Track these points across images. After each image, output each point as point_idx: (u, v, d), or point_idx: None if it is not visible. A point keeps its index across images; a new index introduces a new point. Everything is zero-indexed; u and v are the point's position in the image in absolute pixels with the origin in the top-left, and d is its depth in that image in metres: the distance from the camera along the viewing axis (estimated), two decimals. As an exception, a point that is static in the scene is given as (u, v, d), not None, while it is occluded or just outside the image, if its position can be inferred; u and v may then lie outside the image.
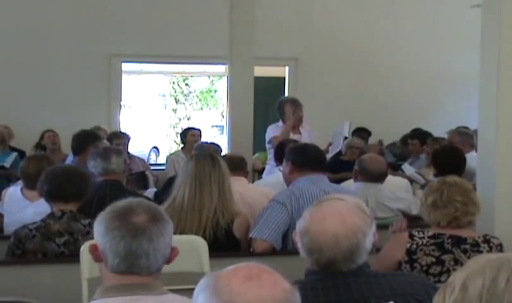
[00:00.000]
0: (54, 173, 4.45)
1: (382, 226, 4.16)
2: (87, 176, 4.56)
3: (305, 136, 7.91)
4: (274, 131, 8.21)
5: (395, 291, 2.70)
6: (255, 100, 8.61)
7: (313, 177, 4.73)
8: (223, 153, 7.04)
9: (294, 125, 8.21)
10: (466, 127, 8.76)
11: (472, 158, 6.55)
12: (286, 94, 11.58)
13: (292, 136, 7.92)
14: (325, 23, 11.41)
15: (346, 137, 8.74)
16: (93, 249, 2.50)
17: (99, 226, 2.49)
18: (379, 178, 5.92)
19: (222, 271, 1.88)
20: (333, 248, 2.62)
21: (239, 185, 5.26)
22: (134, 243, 2.41)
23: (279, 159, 6.42)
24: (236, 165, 5.46)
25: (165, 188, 5.73)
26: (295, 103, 8.39)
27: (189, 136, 9.51)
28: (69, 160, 6.86)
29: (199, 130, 9.72)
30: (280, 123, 8.21)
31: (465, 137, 7.95)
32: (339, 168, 7.97)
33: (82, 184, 4.40)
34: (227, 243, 4.44)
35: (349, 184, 6.19)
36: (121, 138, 8.28)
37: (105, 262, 2.47)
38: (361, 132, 10.24)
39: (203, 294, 1.85)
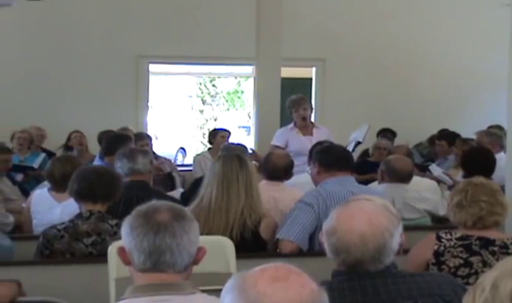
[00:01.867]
0: (84, 173, 4.47)
1: (408, 228, 4.14)
2: (117, 177, 4.57)
3: (319, 137, 7.68)
4: (280, 134, 7.98)
5: (423, 292, 2.68)
6: (282, 101, 8.60)
7: (340, 178, 4.71)
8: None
9: (301, 126, 7.96)
10: (499, 126, 8.66)
11: (501, 159, 6.49)
12: (313, 95, 11.56)
13: (302, 138, 7.79)
14: (352, 23, 11.38)
15: (359, 142, 8.56)
16: (121, 252, 2.53)
17: (125, 227, 2.53)
18: (405, 178, 5.89)
19: (249, 272, 1.88)
20: (360, 248, 2.61)
21: (275, 191, 5.27)
22: (157, 239, 2.44)
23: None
24: (280, 173, 5.45)
25: (192, 188, 5.73)
26: (297, 101, 8.02)
27: (218, 136, 9.51)
28: (97, 160, 6.90)
29: (228, 131, 9.72)
30: (291, 125, 8.04)
31: (494, 138, 7.87)
32: (366, 169, 7.94)
33: (111, 185, 4.41)
34: (254, 244, 4.44)
35: (376, 184, 6.16)
36: (143, 139, 8.30)
37: (132, 263, 2.50)
38: (387, 133, 10.20)
39: (230, 295, 1.85)
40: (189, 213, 2.60)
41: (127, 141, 6.65)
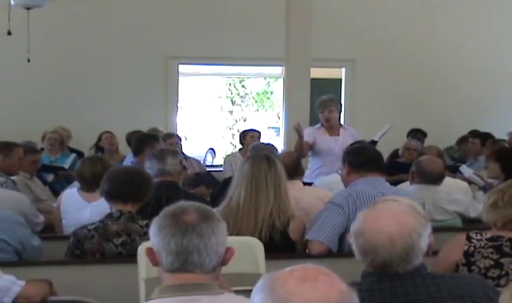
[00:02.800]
0: (115, 174, 4.49)
1: (438, 229, 4.12)
2: (148, 178, 4.58)
3: (346, 138, 7.65)
4: (308, 132, 7.86)
5: (453, 293, 2.66)
6: (311, 101, 8.58)
7: (370, 179, 4.69)
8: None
9: (327, 127, 7.93)
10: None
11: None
12: (342, 95, 11.53)
13: (328, 138, 7.76)
14: (382, 23, 11.33)
15: (374, 141, 8.48)
16: (149, 252, 2.54)
17: (153, 227, 2.54)
18: (436, 179, 5.85)
19: (279, 272, 1.88)
20: (388, 248, 2.60)
21: (294, 189, 5.23)
22: (184, 240, 2.44)
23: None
24: (290, 172, 5.43)
25: (222, 189, 5.74)
26: (323, 103, 7.99)
27: (248, 137, 9.51)
28: (128, 161, 6.94)
29: (259, 132, 9.71)
30: (318, 125, 8.02)
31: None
32: (395, 169, 7.90)
33: (142, 186, 4.42)
34: (282, 245, 4.43)
35: (406, 185, 6.13)
36: (171, 138, 8.32)
37: (160, 263, 2.51)
38: (417, 133, 10.14)
39: (260, 294, 1.85)
40: (217, 213, 2.60)
41: (154, 141, 6.67)
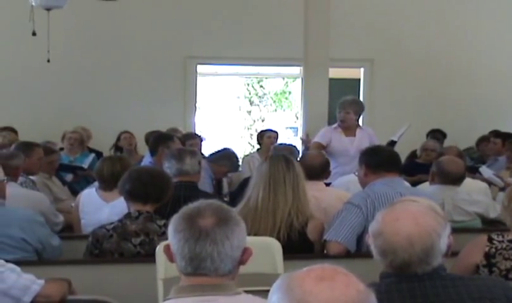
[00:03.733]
0: (136, 173, 4.50)
1: (458, 230, 4.10)
2: (168, 179, 4.60)
3: (362, 138, 7.63)
4: (324, 133, 7.89)
5: (472, 295, 2.65)
6: (330, 101, 8.57)
7: (388, 179, 4.68)
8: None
9: (344, 127, 7.91)
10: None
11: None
12: (361, 95, 11.50)
13: (344, 139, 7.74)
14: (401, 23, 11.30)
15: (393, 141, 8.45)
16: (167, 250, 2.55)
17: (170, 227, 2.54)
18: (456, 180, 5.82)
19: (296, 272, 1.88)
20: (407, 249, 2.59)
21: (315, 190, 5.23)
22: (197, 247, 2.43)
23: None
24: (316, 173, 5.43)
25: (240, 189, 5.74)
26: (342, 104, 7.92)
27: (265, 137, 9.53)
28: (146, 161, 6.95)
29: (276, 132, 9.72)
30: (335, 125, 8.00)
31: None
32: (414, 170, 7.88)
33: (162, 186, 4.43)
34: (300, 246, 4.42)
35: (425, 186, 6.11)
36: (193, 139, 8.34)
37: (176, 263, 2.51)
38: (436, 134, 10.11)
39: (277, 294, 1.85)
40: (235, 215, 2.57)
41: (168, 141, 6.68)
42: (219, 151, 7.70)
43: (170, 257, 2.53)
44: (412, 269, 2.62)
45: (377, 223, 2.68)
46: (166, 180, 4.54)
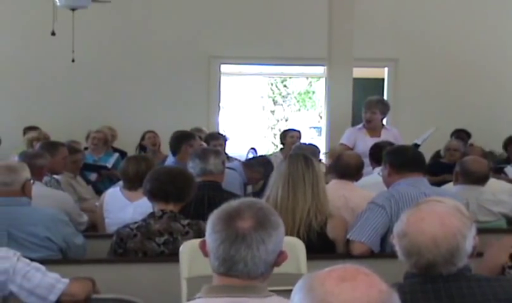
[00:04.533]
0: (158, 173, 4.52)
1: (483, 230, 4.07)
2: (190, 178, 4.58)
3: (386, 138, 7.59)
4: (349, 134, 7.91)
5: (498, 297, 2.62)
6: (353, 101, 8.54)
7: (412, 179, 4.66)
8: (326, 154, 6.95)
9: (369, 128, 7.89)
10: None
11: None
12: (385, 95, 11.45)
13: (368, 139, 7.71)
14: (425, 22, 11.25)
15: (416, 145, 8.40)
16: (203, 245, 2.52)
17: (208, 225, 2.51)
18: (480, 180, 5.78)
19: (318, 272, 1.87)
20: (432, 250, 2.57)
21: (345, 189, 5.22)
22: (232, 249, 2.40)
23: (373, 161, 6.36)
24: (351, 172, 5.42)
25: (263, 188, 5.74)
26: (368, 103, 7.92)
27: (288, 137, 9.52)
28: (170, 160, 6.96)
29: (298, 131, 9.71)
30: (360, 125, 7.98)
31: None
32: (438, 170, 7.84)
33: (184, 186, 4.44)
34: (320, 246, 4.38)
35: (449, 186, 6.07)
36: (218, 139, 8.35)
37: (209, 260, 2.50)
38: (461, 134, 10.04)
39: (299, 294, 1.85)
40: (275, 218, 2.53)
41: (190, 140, 6.67)
42: (256, 157, 7.72)
43: (205, 253, 2.51)
44: (437, 270, 2.61)
45: (401, 224, 2.66)
46: (187, 179, 4.53)
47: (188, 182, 4.51)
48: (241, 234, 2.41)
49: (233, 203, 2.50)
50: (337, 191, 4.98)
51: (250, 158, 7.66)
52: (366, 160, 6.82)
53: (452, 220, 2.62)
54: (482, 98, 11.36)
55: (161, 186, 4.40)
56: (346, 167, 5.42)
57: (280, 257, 2.50)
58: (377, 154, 6.09)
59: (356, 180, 5.60)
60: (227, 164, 7.46)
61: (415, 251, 2.59)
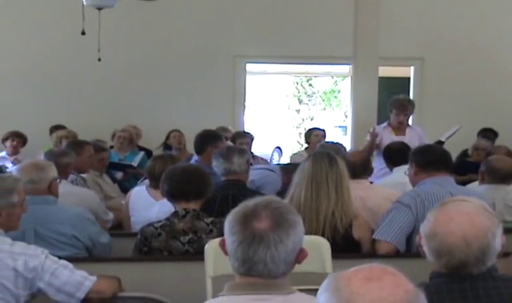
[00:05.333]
0: (173, 173, 4.51)
1: (510, 230, 4.04)
2: (206, 175, 4.56)
3: (412, 137, 7.57)
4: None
5: (525, 297, 2.61)
6: (379, 100, 8.51)
7: (438, 179, 4.64)
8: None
9: (395, 127, 7.87)
10: None
11: None
12: (411, 94, 11.40)
13: (394, 138, 7.68)
14: (452, 21, 11.18)
15: (440, 142, 8.34)
16: (222, 244, 2.52)
17: (226, 226, 2.51)
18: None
19: (344, 272, 1.87)
20: (463, 249, 2.55)
21: (360, 189, 5.17)
22: (251, 250, 2.40)
23: (389, 163, 6.35)
24: (358, 170, 5.39)
25: (288, 187, 5.73)
26: (400, 105, 7.91)
27: (313, 136, 9.52)
28: (194, 159, 6.97)
29: (323, 130, 9.70)
30: (384, 124, 7.96)
31: None
32: (465, 169, 7.79)
33: (201, 183, 4.44)
34: (345, 248, 4.35)
35: (475, 185, 6.04)
36: (244, 138, 8.35)
37: (230, 260, 2.51)
38: (487, 133, 9.97)
39: (325, 294, 1.84)
40: (293, 216, 2.50)
41: (217, 140, 6.66)
42: (295, 163, 7.70)
43: (225, 252, 2.51)
44: (468, 270, 2.59)
45: (430, 224, 2.64)
46: (203, 176, 4.51)
47: (204, 178, 4.50)
48: (258, 235, 2.40)
49: (249, 203, 2.49)
50: (352, 192, 4.96)
51: (288, 163, 7.62)
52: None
53: (482, 219, 2.60)
54: (509, 97, 11.26)
55: (179, 186, 4.41)
56: (352, 166, 5.38)
57: (301, 255, 2.49)
58: (391, 155, 6.12)
59: (369, 175, 5.58)
60: (266, 166, 7.48)
61: (446, 251, 2.57)
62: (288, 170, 7.27)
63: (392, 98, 8.01)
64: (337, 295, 1.81)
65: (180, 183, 4.41)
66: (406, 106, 7.85)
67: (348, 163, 5.34)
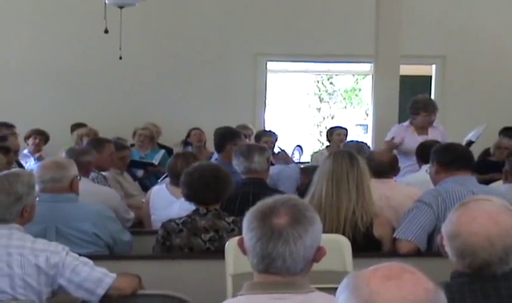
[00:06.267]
0: (191, 178, 4.49)
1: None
2: (224, 177, 4.51)
3: (434, 137, 7.52)
4: (396, 131, 7.85)
5: (547, 298, 2.58)
6: (400, 99, 8.48)
7: (460, 178, 4.61)
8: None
9: (418, 126, 7.84)
10: None
11: None
12: (432, 93, 11.35)
13: (417, 138, 7.65)
14: (474, 18, 11.11)
15: (471, 142, 8.29)
16: (241, 243, 2.52)
17: (244, 223, 2.51)
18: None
19: (363, 271, 1.86)
20: (487, 249, 2.52)
21: (386, 188, 5.16)
22: (270, 246, 2.39)
23: (420, 159, 6.31)
24: (385, 169, 5.37)
25: (308, 186, 5.72)
26: (427, 107, 7.88)
27: (335, 135, 9.51)
28: (214, 157, 6.97)
29: (345, 129, 9.68)
30: (406, 123, 7.92)
31: None
32: (487, 168, 7.74)
33: (219, 188, 4.43)
34: (366, 246, 4.34)
35: (498, 185, 5.99)
36: (269, 136, 8.36)
37: (248, 258, 2.50)
38: (510, 131, 9.90)
39: (344, 293, 1.83)
40: (311, 213, 2.51)
41: (236, 138, 6.65)
42: (314, 165, 7.70)
43: (244, 251, 2.52)
44: (492, 269, 2.56)
45: (452, 224, 2.62)
46: (222, 179, 4.47)
47: (223, 182, 4.47)
48: (277, 230, 2.40)
49: (267, 201, 2.50)
50: (377, 191, 4.93)
51: (307, 165, 7.61)
52: (414, 158, 6.79)
53: (505, 218, 2.57)
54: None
55: (196, 194, 4.42)
56: (379, 165, 5.37)
57: (319, 253, 2.49)
58: (424, 153, 6.05)
59: (395, 175, 5.55)
60: (286, 166, 7.48)
61: (469, 252, 2.55)
62: (307, 170, 7.28)
63: (417, 99, 7.96)
64: (356, 294, 1.80)
65: (197, 191, 4.42)
66: (432, 108, 7.82)
67: (375, 161, 5.34)
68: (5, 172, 3.96)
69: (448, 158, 4.74)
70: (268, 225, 2.41)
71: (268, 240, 2.40)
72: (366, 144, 7.33)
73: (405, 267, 1.84)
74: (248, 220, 2.48)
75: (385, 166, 5.39)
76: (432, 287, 1.81)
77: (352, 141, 7.96)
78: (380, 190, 5.06)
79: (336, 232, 4.24)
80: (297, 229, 2.41)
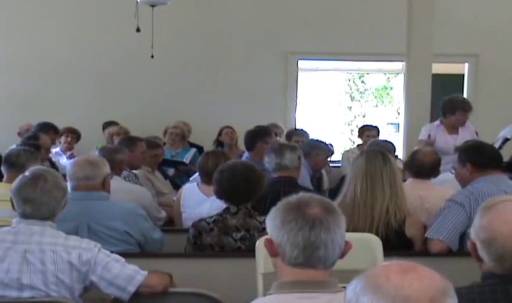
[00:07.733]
0: (221, 178, 4.49)
1: None
2: (256, 179, 4.49)
3: (465, 136, 7.47)
4: (427, 130, 7.79)
5: None
6: (432, 97, 8.42)
7: (493, 177, 4.57)
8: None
9: (449, 125, 7.79)
10: None
11: None
12: (465, 92, 11.27)
13: (447, 137, 7.59)
14: (507, 16, 11.02)
15: (506, 139, 8.20)
16: (268, 243, 2.52)
17: (273, 220, 2.50)
18: None
19: (373, 270, 1.85)
20: None
21: (421, 189, 5.12)
22: (312, 234, 2.40)
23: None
24: (425, 171, 5.33)
25: (340, 184, 5.71)
26: (466, 107, 7.82)
27: (365, 134, 9.47)
28: (245, 156, 6.98)
29: (376, 128, 9.64)
30: (437, 122, 7.86)
31: None
32: (519, 168, 7.66)
33: (249, 189, 4.43)
34: (398, 245, 4.32)
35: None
36: (301, 136, 8.35)
37: (282, 257, 2.47)
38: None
39: (365, 296, 1.80)
40: (336, 206, 2.54)
41: (266, 136, 6.65)
42: (306, 142, 7.62)
43: (272, 251, 2.50)
44: None
45: (484, 230, 2.58)
46: (253, 180, 4.47)
47: (253, 184, 4.46)
48: (318, 219, 2.42)
49: (294, 197, 2.52)
50: (413, 191, 4.90)
51: (303, 147, 7.51)
52: (446, 157, 6.76)
53: None
54: None
55: (227, 194, 4.42)
56: (420, 166, 5.33)
57: (347, 246, 2.51)
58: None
59: (434, 177, 5.51)
60: None
61: (508, 256, 2.53)
62: (308, 153, 7.04)
63: (454, 98, 7.88)
64: (379, 293, 1.78)
65: (226, 190, 4.42)
66: (471, 107, 7.76)
67: (417, 161, 5.30)
68: (41, 169, 3.94)
69: (484, 159, 4.69)
70: (307, 215, 2.43)
71: (311, 228, 2.41)
72: (392, 143, 7.29)
73: (409, 262, 1.85)
74: (280, 215, 2.48)
75: (425, 167, 5.34)
76: (441, 277, 1.82)
77: (378, 140, 7.92)
78: (416, 191, 5.03)
79: (369, 230, 4.24)
80: (334, 218, 2.46)
